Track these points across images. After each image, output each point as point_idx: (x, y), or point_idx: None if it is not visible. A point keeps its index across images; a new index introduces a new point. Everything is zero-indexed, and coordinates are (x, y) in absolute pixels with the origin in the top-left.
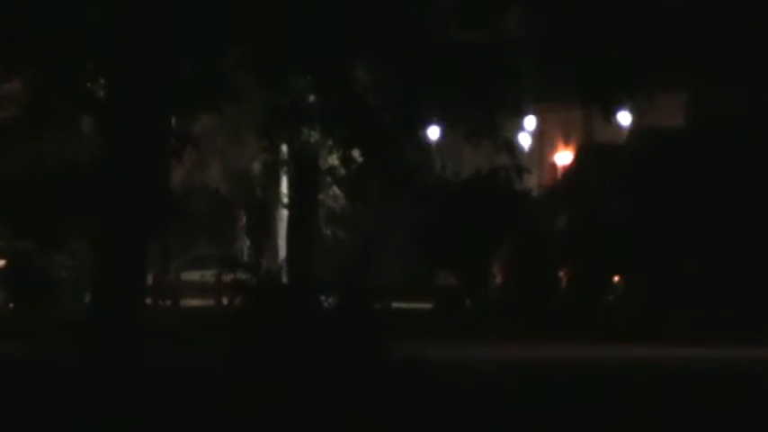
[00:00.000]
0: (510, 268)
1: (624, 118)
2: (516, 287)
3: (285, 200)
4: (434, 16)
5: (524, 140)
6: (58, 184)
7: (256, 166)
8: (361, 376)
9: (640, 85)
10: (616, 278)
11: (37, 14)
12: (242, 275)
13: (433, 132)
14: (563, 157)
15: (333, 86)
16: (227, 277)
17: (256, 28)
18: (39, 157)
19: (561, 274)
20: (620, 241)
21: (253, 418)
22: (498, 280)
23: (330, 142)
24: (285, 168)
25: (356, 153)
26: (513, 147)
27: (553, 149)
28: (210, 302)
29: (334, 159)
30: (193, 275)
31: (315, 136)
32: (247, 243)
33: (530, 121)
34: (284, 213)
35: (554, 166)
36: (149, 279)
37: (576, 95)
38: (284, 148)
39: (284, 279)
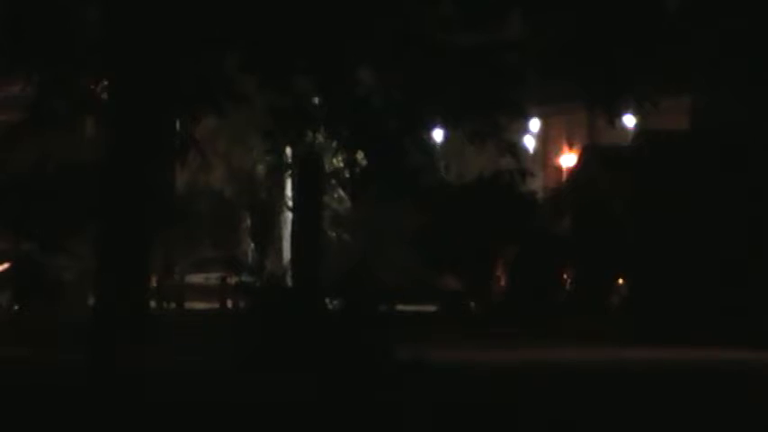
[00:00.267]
0: (514, 271)
1: (629, 120)
2: (520, 290)
3: (289, 202)
4: (437, 19)
5: (529, 143)
6: (62, 186)
7: (261, 169)
8: (365, 379)
9: (644, 89)
10: (620, 280)
11: (40, 16)
12: (246, 278)
13: (437, 135)
14: (567, 159)
15: (337, 89)
16: (232, 280)
17: (260, 31)
18: (42, 158)
19: (565, 276)
20: (624, 243)
21: (259, 423)
22: (502, 282)
23: (334, 144)
24: (289, 171)
25: (360, 155)
26: (516, 149)
27: (557, 152)
28: (215, 305)
29: (338, 162)
30: (198, 278)
31: (319, 138)
32: (252, 246)
33: (534, 124)
34: (288, 216)
35: (558, 168)
36: (153, 281)
37: (580, 98)
38: (288, 150)
39: (289, 282)
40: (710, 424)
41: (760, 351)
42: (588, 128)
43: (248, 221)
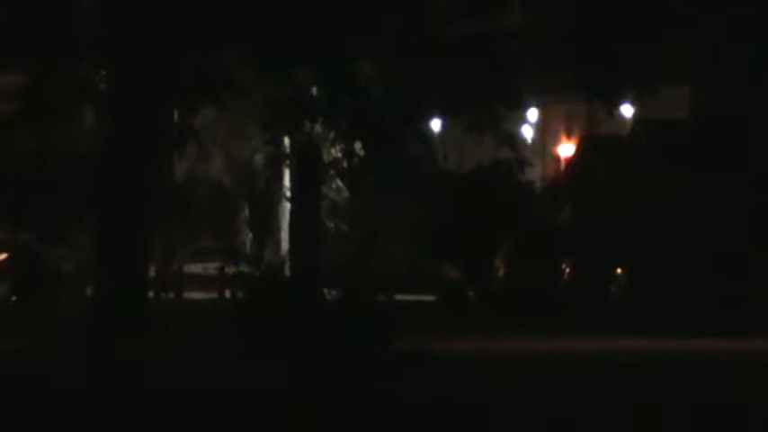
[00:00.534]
0: (513, 261)
1: (627, 110)
2: (519, 279)
3: (288, 193)
4: (436, 9)
5: (527, 132)
6: (60, 177)
7: (259, 159)
8: (364, 368)
9: (643, 78)
10: (619, 270)
11: (38, 6)
12: (245, 268)
13: (435, 125)
14: (566, 148)
15: (335, 79)
16: (230, 270)
17: (259, 21)
18: (40, 148)
19: (564, 266)
20: (623, 233)
21: (257, 415)
22: (501, 272)
23: (332, 134)
24: (288, 161)
25: (358, 145)
26: (514, 139)
27: (556, 141)
28: (213, 295)
29: (336, 152)
30: (196, 268)
31: (317, 128)
32: (250, 236)
33: (532, 113)
34: (287, 206)
35: (557, 158)
36: (152, 271)
37: (579, 88)
38: (287, 140)
39: (287, 272)
40: (703, 414)
41: (759, 341)
42: (587, 117)
43: (246, 212)
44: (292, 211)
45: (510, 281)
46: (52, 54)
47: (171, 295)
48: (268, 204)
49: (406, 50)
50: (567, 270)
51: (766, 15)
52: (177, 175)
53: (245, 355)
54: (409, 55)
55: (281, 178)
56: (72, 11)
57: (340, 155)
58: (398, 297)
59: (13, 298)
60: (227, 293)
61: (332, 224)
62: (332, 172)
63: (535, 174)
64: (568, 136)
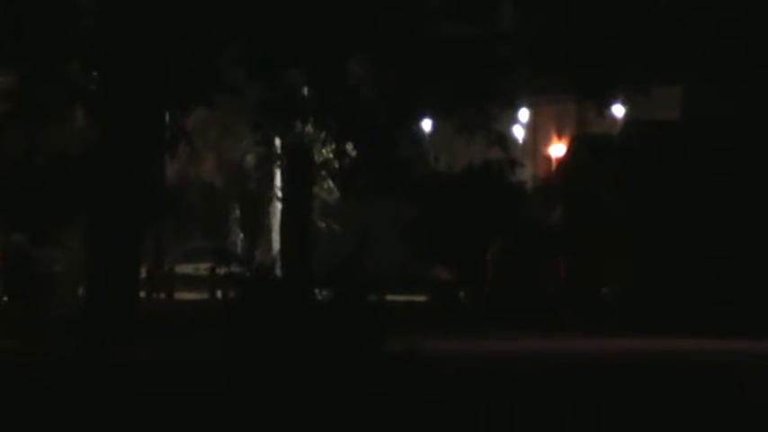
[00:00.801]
0: (504, 261)
1: (618, 110)
2: (511, 280)
3: (279, 193)
4: (427, 10)
5: (518, 133)
6: (51, 178)
7: (250, 160)
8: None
9: (634, 78)
10: (611, 271)
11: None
12: (236, 268)
13: (426, 125)
14: (557, 149)
15: (326, 79)
16: (222, 270)
17: (250, 22)
18: (32, 149)
19: (556, 266)
20: (614, 233)
21: (249, 416)
22: (493, 273)
23: (323, 135)
24: (279, 162)
25: (350, 146)
26: (505, 140)
27: (547, 142)
28: (205, 295)
29: (327, 152)
30: (188, 268)
31: (308, 129)
32: (241, 236)
33: (523, 114)
34: (278, 206)
35: (548, 158)
36: (143, 272)
37: (569, 89)
38: (278, 141)
39: (278, 272)
40: (694, 414)
41: (750, 341)
42: (578, 118)
43: (238, 212)
44: (283, 212)
45: (501, 281)
46: (50, 54)
47: (162, 296)
48: (259, 205)
49: (400, 50)
50: (559, 270)
51: (754, 14)
52: (168, 175)
53: (235, 355)
54: (403, 55)
55: (272, 179)
56: (71, 11)
57: (331, 155)
58: (390, 298)
59: (5, 298)
60: (219, 294)
61: (323, 225)
62: (323, 172)
63: (526, 174)
64: (559, 136)
